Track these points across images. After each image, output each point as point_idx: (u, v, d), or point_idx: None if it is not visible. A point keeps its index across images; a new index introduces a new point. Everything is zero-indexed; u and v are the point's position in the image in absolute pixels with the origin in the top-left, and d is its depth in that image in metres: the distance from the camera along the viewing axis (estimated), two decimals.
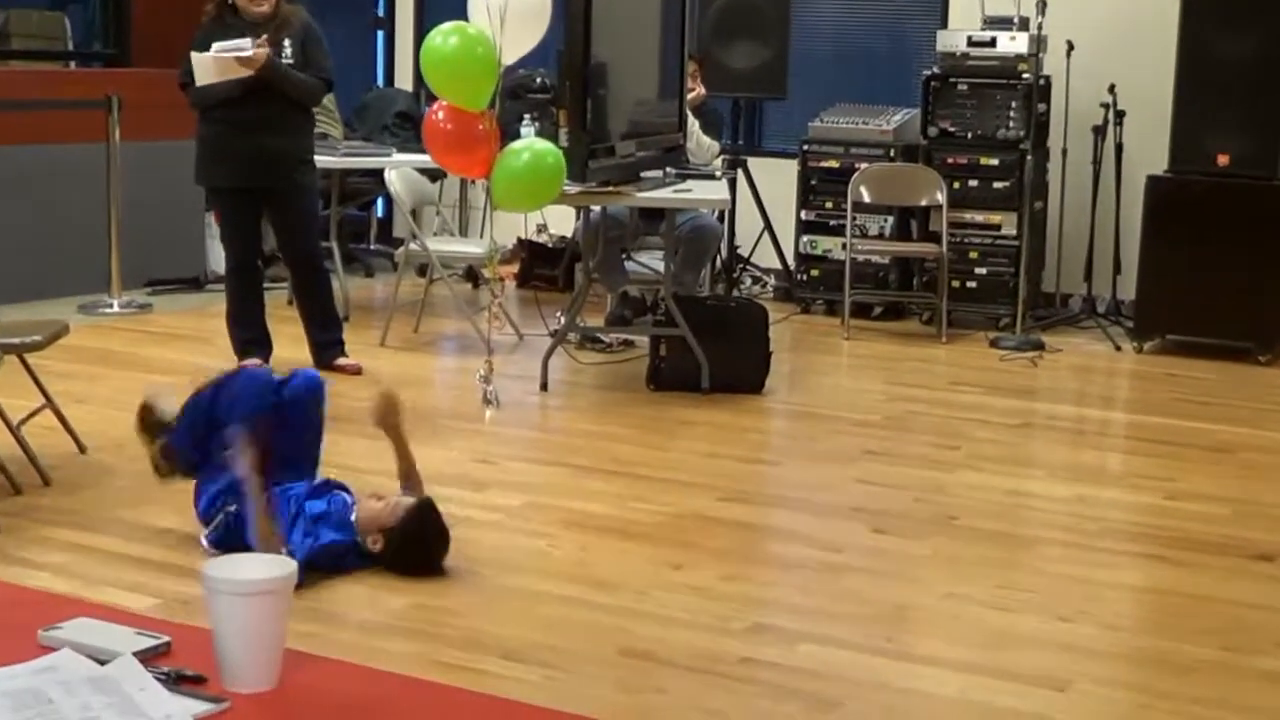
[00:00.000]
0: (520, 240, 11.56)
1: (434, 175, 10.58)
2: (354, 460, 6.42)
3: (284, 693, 2.30)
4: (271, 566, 2.32)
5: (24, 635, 2.41)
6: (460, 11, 7.45)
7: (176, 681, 2.28)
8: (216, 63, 8.12)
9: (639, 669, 4.77)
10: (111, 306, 10.13)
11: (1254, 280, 9.51)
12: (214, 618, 2.30)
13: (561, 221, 10.83)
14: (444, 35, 7.24)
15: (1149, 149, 10.09)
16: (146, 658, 2.35)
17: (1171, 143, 9.85)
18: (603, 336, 9.45)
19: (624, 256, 9.87)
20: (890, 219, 10.71)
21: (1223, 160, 9.68)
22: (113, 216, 10.09)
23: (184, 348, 9.05)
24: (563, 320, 9.11)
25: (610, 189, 8.33)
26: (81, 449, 6.89)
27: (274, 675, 2.31)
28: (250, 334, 8.56)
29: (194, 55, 8.18)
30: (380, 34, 13.42)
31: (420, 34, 12.42)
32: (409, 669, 4.49)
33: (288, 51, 8.33)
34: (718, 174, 9.76)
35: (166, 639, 2.42)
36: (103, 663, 2.32)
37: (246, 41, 8.12)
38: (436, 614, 5.15)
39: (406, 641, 4.89)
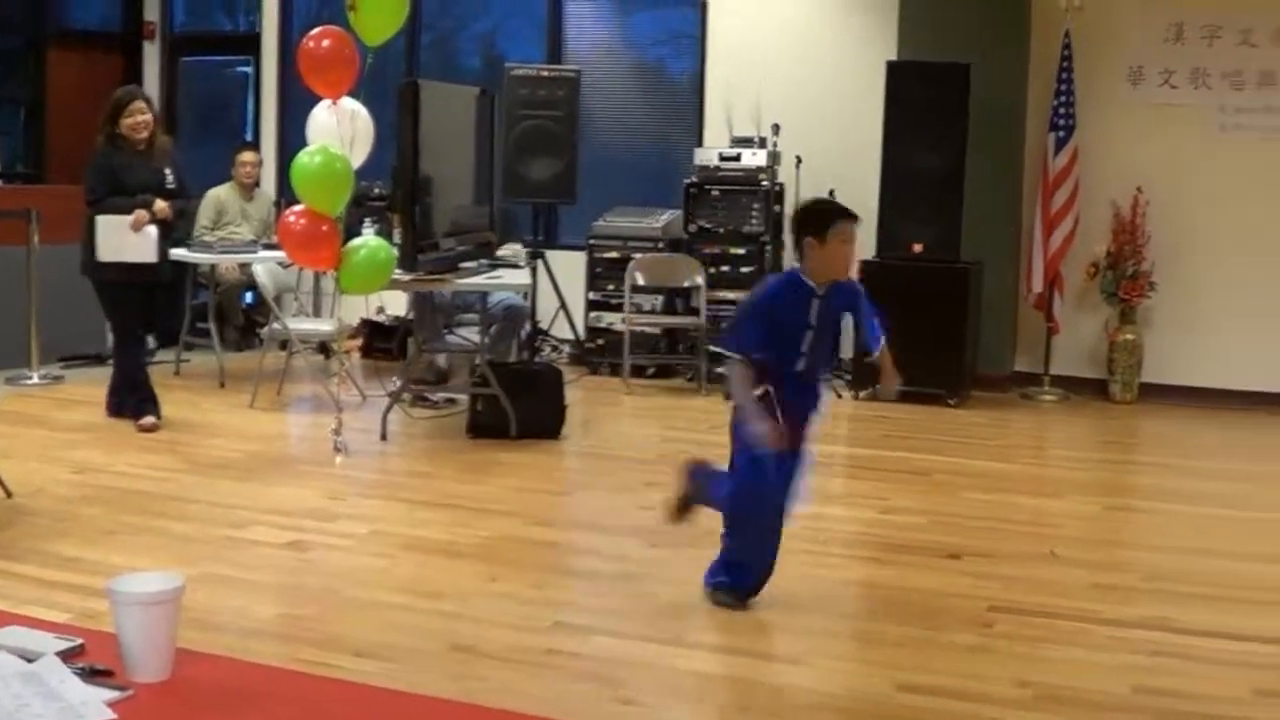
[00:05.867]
0: (363, 319, 11.52)
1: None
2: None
3: (176, 682, 2.32)
4: (162, 582, 2.35)
5: None
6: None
7: (90, 675, 2.29)
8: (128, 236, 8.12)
9: (464, 661, 4.80)
10: (31, 378, 9.91)
11: (942, 341, 9.75)
12: (117, 623, 2.32)
13: (397, 303, 10.84)
14: (310, 155, 7.27)
15: (861, 240, 10.25)
16: (65, 656, 2.35)
17: (878, 234, 10.09)
18: (430, 395, 9.45)
19: (447, 331, 9.89)
20: (660, 298, 10.82)
21: (916, 248, 9.95)
22: (33, 305, 9.89)
23: (89, 411, 8.86)
24: (398, 383, 9.11)
25: (435, 277, 8.36)
26: (8, 494, 6.75)
27: (167, 668, 2.32)
28: (141, 395, 8.45)
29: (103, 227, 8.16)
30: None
31: (282, 153, 12.34)
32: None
33: (170, 179, 8.34)
34: (521, 263, 9.82)
35: (80, 641, 2.42)
36: (30, 661, 2.33)
37: (152, 229, 8.11)
38: (298, 621, 5.14)
39: (274, 644, 4.87)
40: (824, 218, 5.26)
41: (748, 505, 5.38)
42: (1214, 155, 10.21)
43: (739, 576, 5.42)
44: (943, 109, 9.90)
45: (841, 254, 5.25)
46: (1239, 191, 10.16)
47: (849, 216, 5.28)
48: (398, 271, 7.88)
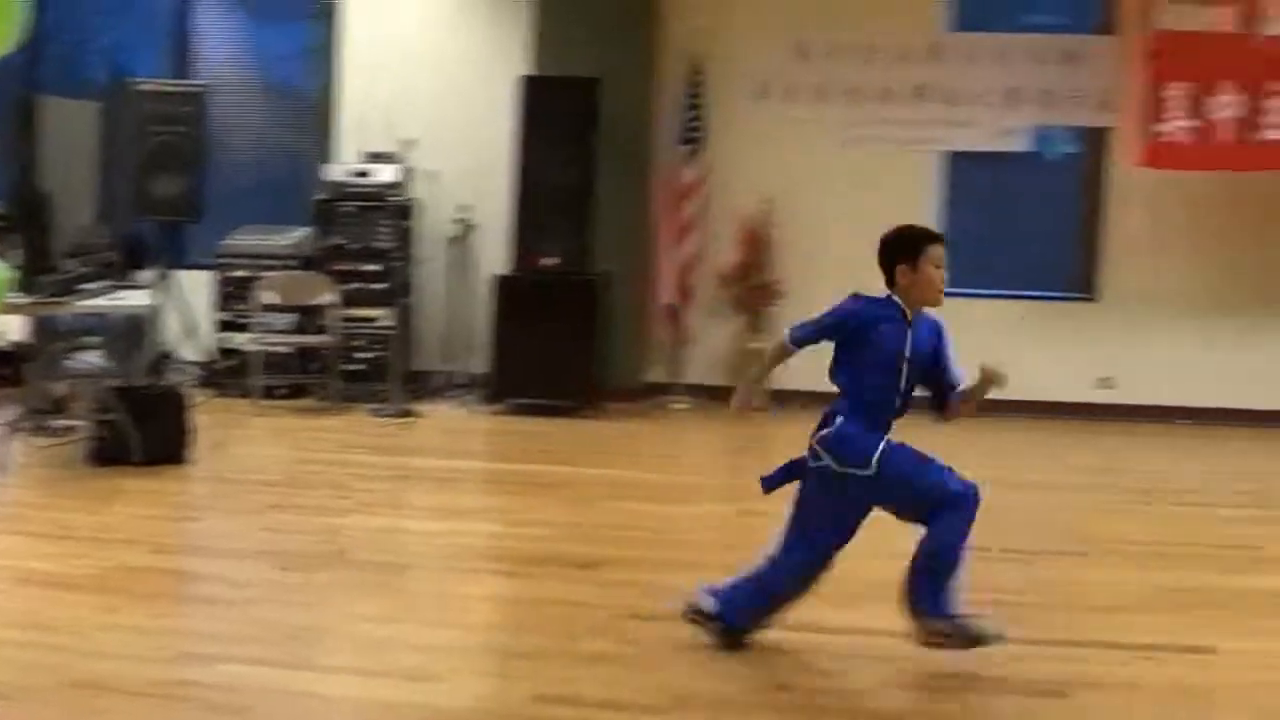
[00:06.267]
0: None
1: None
2: None
3: None
4: None
5: None
6: None
7: None
8: None
9: (83, 696, 4.63)
10: None
11: (572, 352, 9.92)
12: None
13: (14, 328, 10.42)
14: None
15: (494, 254, 10.40)
16: None
17: (511, 249, 10.17)
18: (50, 423, 9.11)
19: (67, 355, 9.56)
20: (293, 316, 10.66)
21: (549, 262, 10.07)
22: None
23: None
24: (16, 412, 8.76)
25: (54, 300, 8.07)
26: None
27: None
28: None
29: None
30: None
31: None
32: None
33: None
34: (147, 284, 9.56)
35: None
36: None
37: None
38: None
39: None
40: (915, 242, 5.16)
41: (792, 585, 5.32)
42: (838, 167, 10.66)
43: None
44: (574, 123, 10.07)
45: (935, 278, 5.11)
46: (862, 201, 10.57)
47: (939, 239, 5.19)
48: (14, 295, 7.58)
